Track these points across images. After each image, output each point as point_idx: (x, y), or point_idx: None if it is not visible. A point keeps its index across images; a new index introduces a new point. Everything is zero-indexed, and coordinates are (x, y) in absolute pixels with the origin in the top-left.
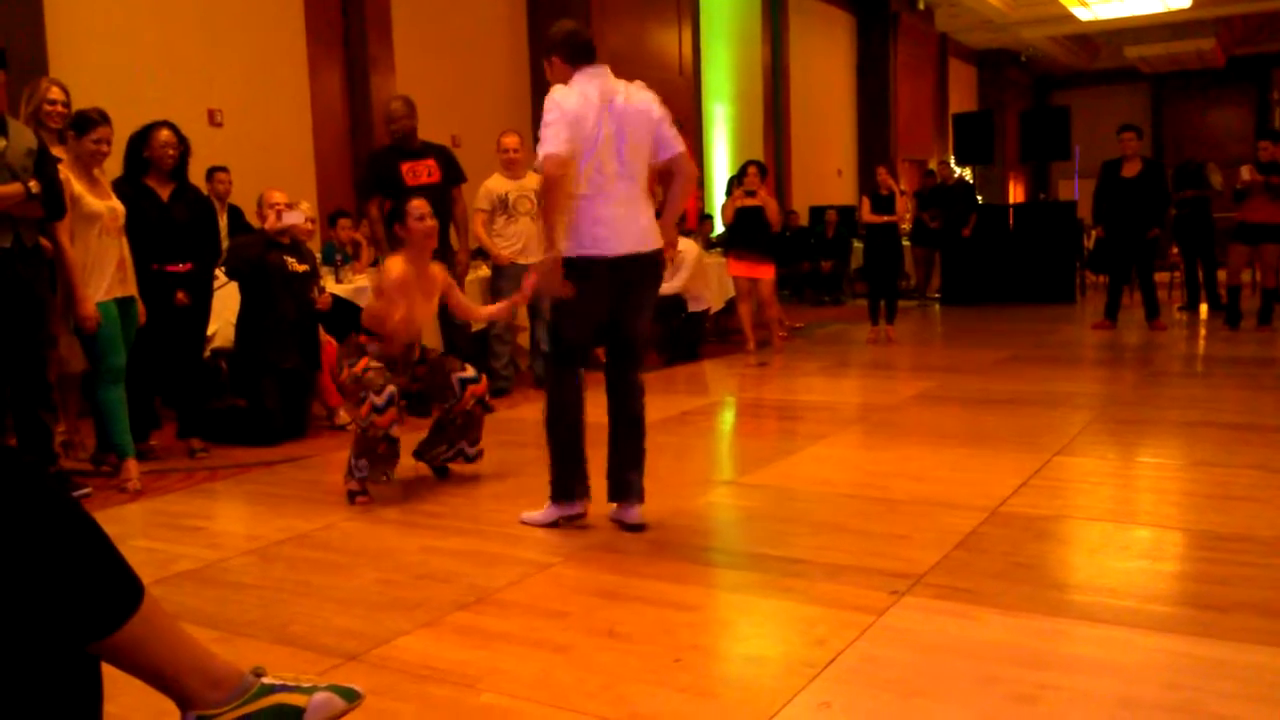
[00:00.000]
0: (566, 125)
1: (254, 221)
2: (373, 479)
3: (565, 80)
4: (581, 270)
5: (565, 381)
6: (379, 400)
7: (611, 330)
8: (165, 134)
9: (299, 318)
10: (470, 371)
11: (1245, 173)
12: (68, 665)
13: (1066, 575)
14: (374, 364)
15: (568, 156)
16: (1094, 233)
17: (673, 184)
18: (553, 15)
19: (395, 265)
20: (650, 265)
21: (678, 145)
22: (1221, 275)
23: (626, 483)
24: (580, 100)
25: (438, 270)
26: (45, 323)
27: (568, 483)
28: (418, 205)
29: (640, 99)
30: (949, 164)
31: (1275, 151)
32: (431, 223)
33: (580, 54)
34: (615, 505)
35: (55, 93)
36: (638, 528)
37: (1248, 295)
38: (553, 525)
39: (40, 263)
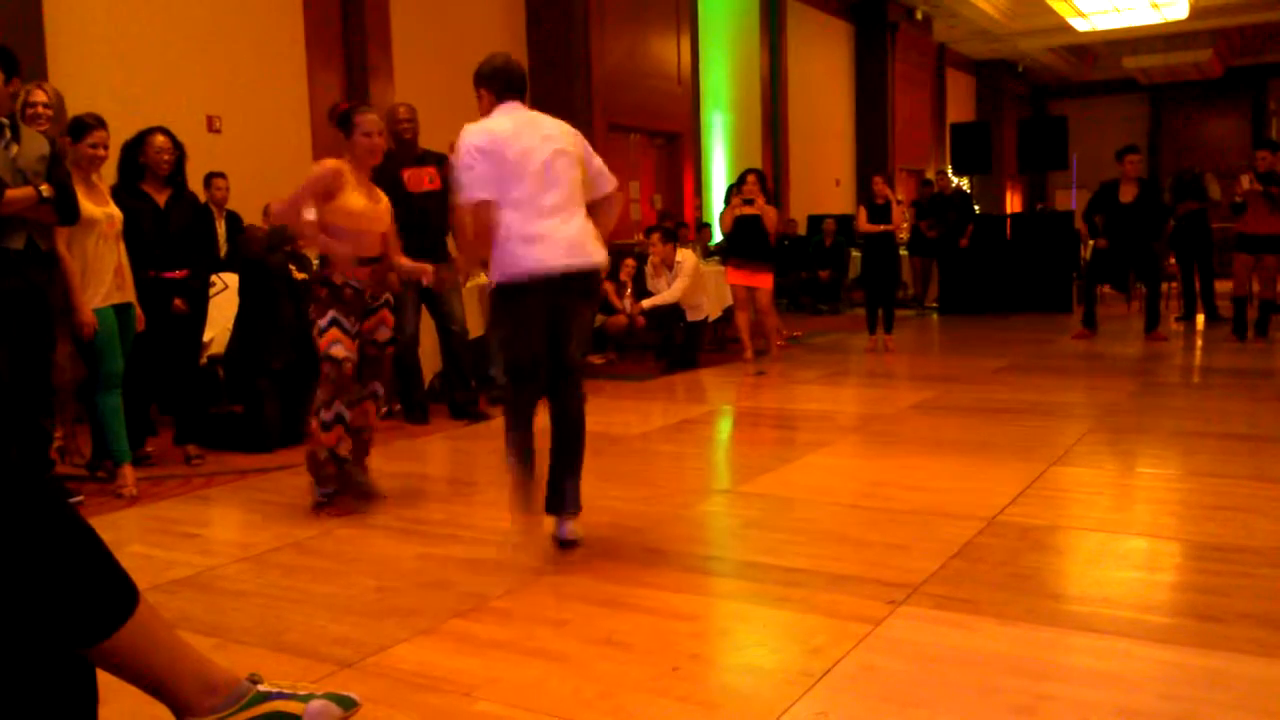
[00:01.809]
0: (488, 165)
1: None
2: (332, 499)
3: (488, 113)
4: (514, 293)
5: (519, 399)
6: (326, 416)
7: (550, 349)
8: (160, 139)
9: (297, 322)
10: (387, 334)
11: (1245, 182)
12: (62, 670)
13: (1064, 585)
14: (338, 338)
15: (493, 200)
16: (1095, 243)
17: (601, 214)
18: (551, 24)
19: (330, 163)
20: (584, 282)
21: (610, 183)
22: (1222, 286)
23: (561, 492)
24: (488, 138)
25: (385, 202)
26: (53, 328)
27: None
28: (370, 120)
29: (565, 129)
30: (947, 174)
31: (1274, 161)
32: (380, 140)
33: (508, 89)
34: (554, 521)
35: (37, 95)
36: (570, 544)
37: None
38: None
39: (51, 268)
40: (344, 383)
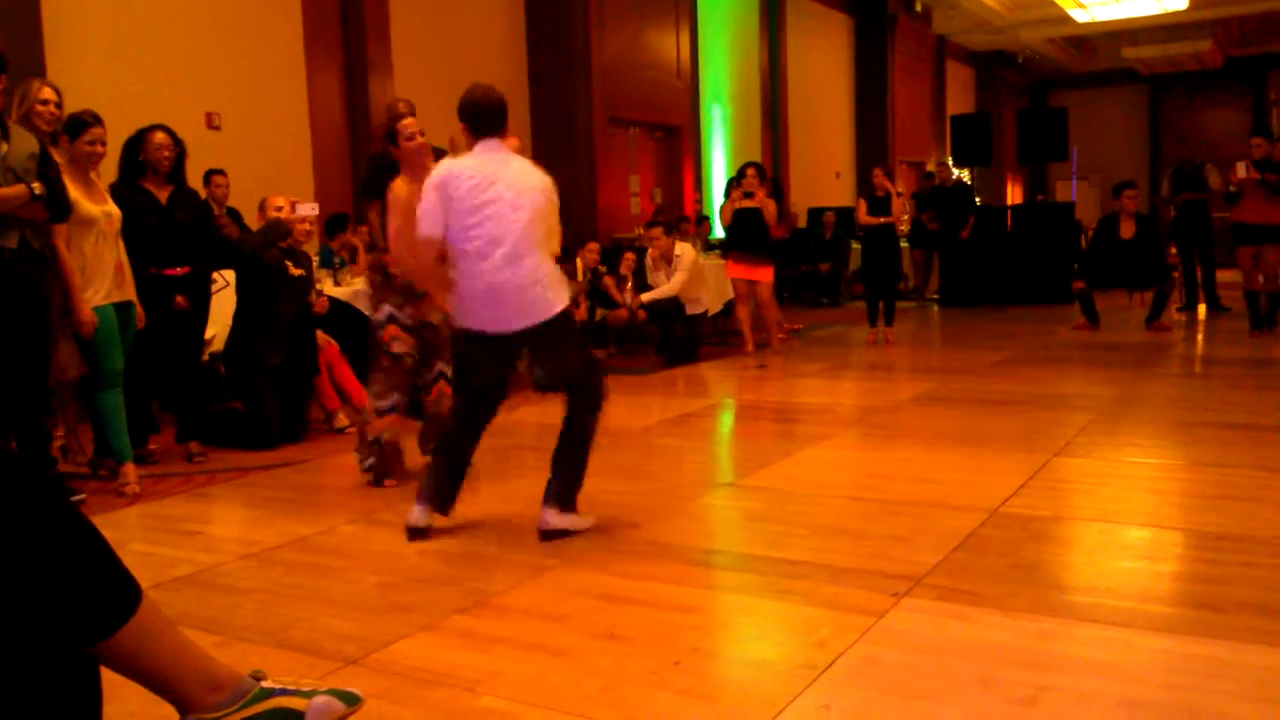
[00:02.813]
0: (441, 207)
1: (256, 225)
2: (375, 480)
3: (469, 149)
4: (468, 340)
5: (457, 415)
6: (381, 405)
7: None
8: (160, 136)
9: (295, 319)
10: (438, 315)
11: (1241, 170)
12: (67, 668)
13: (1066, 576)
14: (397, 335)
15: (439, 239)
16: (1073, 285)
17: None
18: (550, 18)
19: (400, 186)
20: (541, 332)
21: (556, 245)
22: (1222, 276)
23: (548, 484)
24: (448, 177)
25: None
26: (50, 327)
27: (438, 490)
28: (408, 124)
29: (536, 179)
30: (948, 165)
31: (1268, 149)
32: (421, 140)
33: (483, 125)
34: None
35: (47, 93)
36: (547, 534)
37: (1238, 297)
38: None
39: (45, 266)
40: (401, 377)
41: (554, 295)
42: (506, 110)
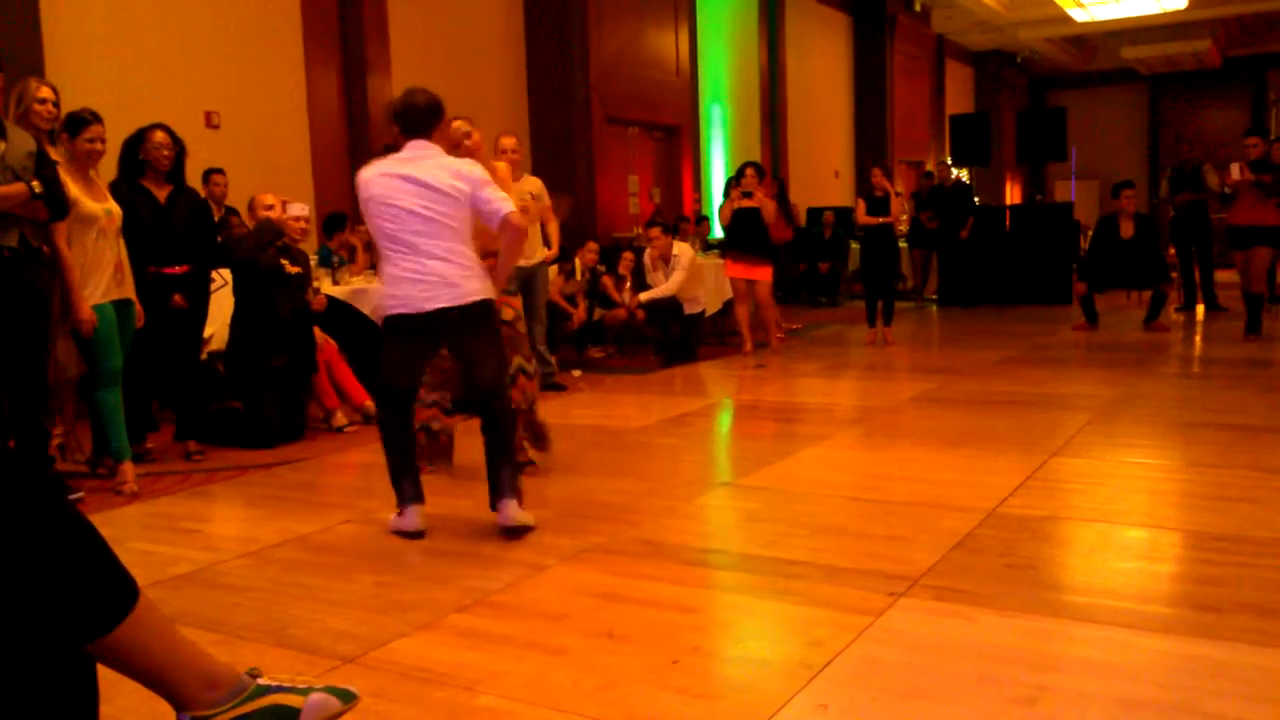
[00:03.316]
0: (364, 207)
1: (249, 225)
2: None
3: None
4: (386, 326)
5: (382, 420)
6: (426, 398)
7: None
8: (160, 135)
9: (293, 317)
10: (510, 313)
11: (1235, 171)
12: (64, 666)
13: (1064, 576)
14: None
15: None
16: (1075, 288)
17: (504, 244)
18: (549, 16)
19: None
20: (463, 318)
21: (501, 208)
22: (1221, 276)
23: (494, 481)
24: (365, 176)
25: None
26: (48, 325)
27: (398, 484)
28: (454, 126)
29: (449, 169)
30: (948, 165)
31: (1265, 148)
32: (469, 143)
33: (408, 126)
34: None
35: (45, 92)
36: (514, 530)
37: (1236, 297)
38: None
39: (44, 265)
40: (450, 375)
41: (472, 285)
42: (436, 111)
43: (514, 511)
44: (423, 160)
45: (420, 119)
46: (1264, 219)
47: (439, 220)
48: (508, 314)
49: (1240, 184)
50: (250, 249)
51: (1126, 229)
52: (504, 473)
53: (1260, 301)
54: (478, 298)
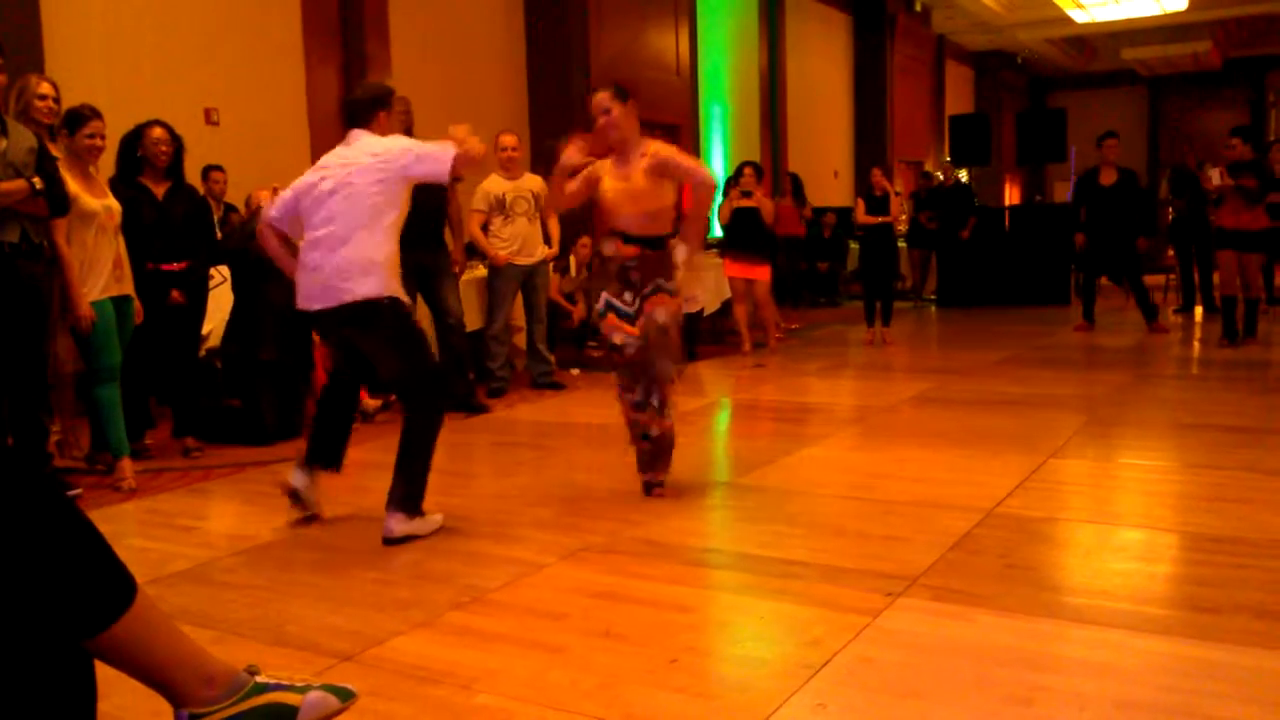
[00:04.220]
0: (293, 194)
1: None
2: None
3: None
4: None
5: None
6: (625, 398)
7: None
8: (158, 132)
9: (286, 307)
10: (663, 314)
11: (1215, 176)
12: (61, 662)
13: (1061, 577)
14: (616, 325)
15: (276, 221)
16: (1075, 238)
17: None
18: (549, 16)
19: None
20: (345, 318)
21: (445, 155)
22: (1219, 278)
23: (390, 490)
24: (310, 171)
25: (636, 182)
26: (47, 322)
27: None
28: (596, 99)
29: (373, 150)
30: (950, 166)
31: (1244, 150)
32: (603, 119)
33: (348, 118)
34: None
35: (45, 88)
36: (387, 540)
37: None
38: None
39: (44, 261)
40: (629, 367)
41: (358, 284)
42: (375, 102)
43: (394, 524)
44: (350, 150)
45: (356, 110)
46: (1248, 224)
47: (350, 209)
48: (661, 315)
49: (1227, 188)
50: (241, 239)
51: (1108, 177)
52: (394, 481)
53: (1243, 305)
54: (363, 296)
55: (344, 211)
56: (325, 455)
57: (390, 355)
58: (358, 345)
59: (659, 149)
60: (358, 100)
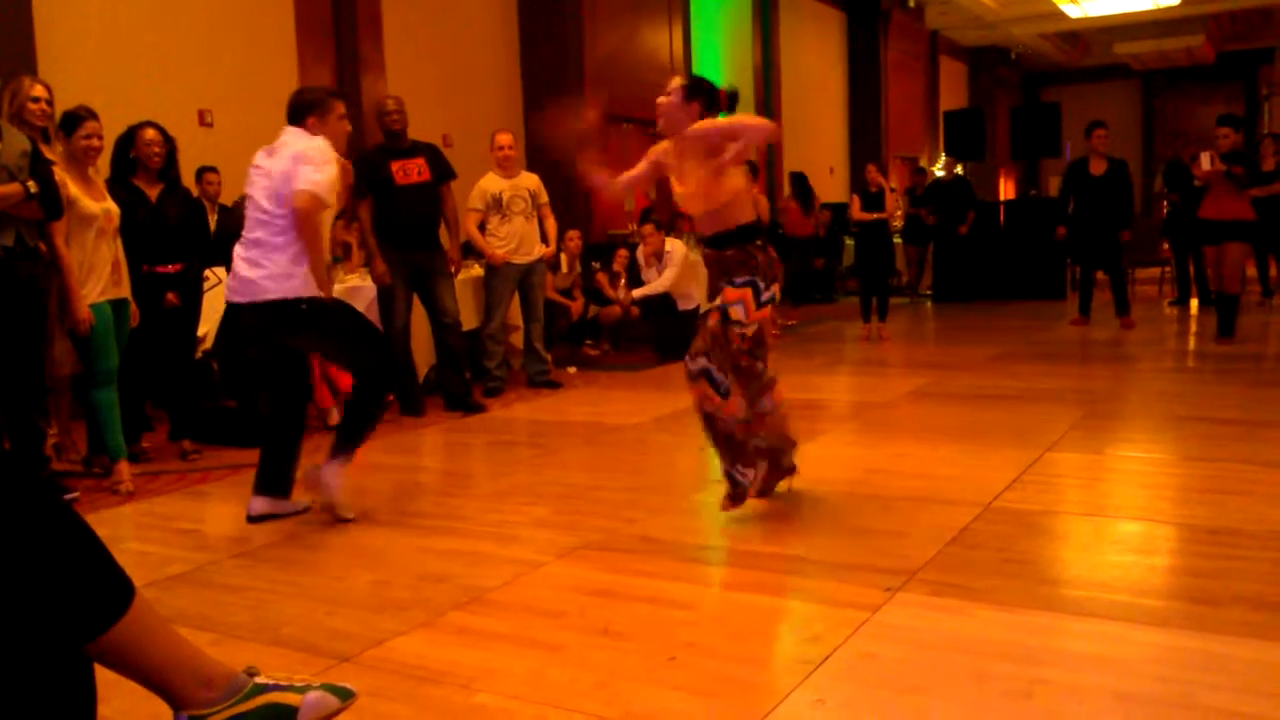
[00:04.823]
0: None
1: None
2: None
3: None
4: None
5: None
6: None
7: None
8: (150, 133)
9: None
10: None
11: (1205, 161)
12: (61, 666)
13: (1060, 570)
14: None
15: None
16: (1057, 230)
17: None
18: (543, 14)
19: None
20: (259, 315)
21: (298, 184)
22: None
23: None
24: (251, 170)
25: (694, 187)
26: (45, 325)
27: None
28: (671, 80)
29: (290, 150)
30: (952, 160)
31: (1237, 140)
32: (661, 99)
33: (288, 116)
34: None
35: (38, 90)
36: (250, 518)
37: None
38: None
39: (41, 264)
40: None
41: (272, 283)
42: (314, 103)
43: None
44: (279, 148)
45: (296, 108)
46: (1236, 213)
47: (261, 209)
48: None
49: (1212, 175)
50: (230, 234)
51: (1097, 166)
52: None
53: (1235, 301)
54: (273, 297)
55: (257, 209)
56: (274, 483)
57: (323, 346)
58: (289, 342)
59: (691, 129)
60: (297, 99)
